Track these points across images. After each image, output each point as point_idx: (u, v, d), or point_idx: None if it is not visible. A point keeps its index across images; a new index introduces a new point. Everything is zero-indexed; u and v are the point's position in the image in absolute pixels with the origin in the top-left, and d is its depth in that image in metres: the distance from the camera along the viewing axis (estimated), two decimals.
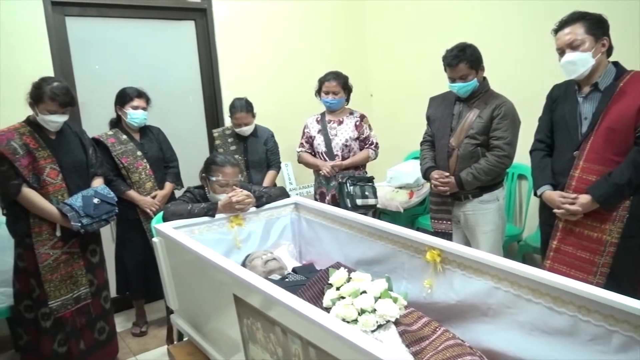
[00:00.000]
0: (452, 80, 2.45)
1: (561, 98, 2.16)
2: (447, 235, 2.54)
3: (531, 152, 2.29)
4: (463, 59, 2.37)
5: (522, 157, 2.54)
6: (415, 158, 3.67)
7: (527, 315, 1.50)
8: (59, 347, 2.41)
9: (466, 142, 2.45)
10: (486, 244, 2.48)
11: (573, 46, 1.98)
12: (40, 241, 2.34)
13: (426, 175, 2.62)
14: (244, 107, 3.13)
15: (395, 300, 1.64)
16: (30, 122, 2.38)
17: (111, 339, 2.65)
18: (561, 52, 2.03)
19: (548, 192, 2.12)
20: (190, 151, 3.46)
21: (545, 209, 2.17)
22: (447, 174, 2.49)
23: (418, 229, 2.81)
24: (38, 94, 2.30)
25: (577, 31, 1.97)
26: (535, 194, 2.23)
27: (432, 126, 2.66)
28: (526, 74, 3.14)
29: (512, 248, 3.30)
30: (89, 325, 2.51)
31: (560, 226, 2.08)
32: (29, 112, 2.37)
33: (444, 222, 2.59)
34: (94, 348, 2.53)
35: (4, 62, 2.83)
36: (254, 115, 3.19)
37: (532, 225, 3.21)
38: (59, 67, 3.04)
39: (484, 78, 2.49)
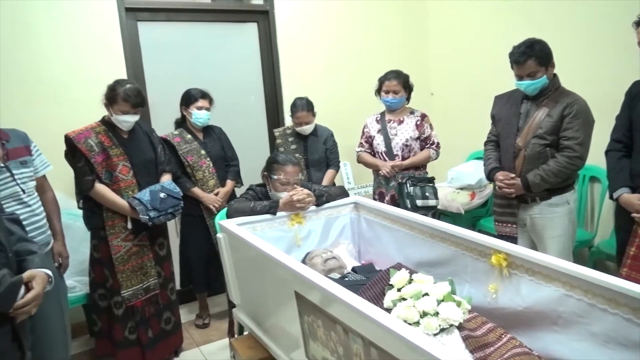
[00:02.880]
0: (520, 77, 2.34)
1: None
2: (512, 239, 2.43)
3: (607, 152, 2.16)
4: (531, 55, 2.26)
5: (594, 159, 2.39)
6: (477, 158, 3.57)
7: (602, 325, 1.42)
8: (130, 335, 2.55)
9: (534, 142, 2.34)
10: (555, 250, 2.36)
11: None
12: (113, 234, 2.49)
13: (490, 176, 2.54)
14: (305, 106, 3.16)
15: (458, 304, 1.61)
16: (105, 122, 2.53)
17: (176, 329, 2.77)
18: None
19: (626, 195, 2.00)
20: (252, 150, 3.55)
21: (622, 214, 2.05)
22: (513, 175, 2.40)
23: (480, 232, 2.72)
24: (112, 96, 2.44)
25: None
26: (611, 197, 2.10)
27: (497, 125, 2.57)
28: (601, 70, 2.96)
29: (583, 254, 3.12)
30: (156, 315, 2.63)
31: (639, 232, 1.95)
32: (104, 112, 2.52)
33: (509, 225, 2.50)
34: (160, 337, 2.65)
35: (83, 66, 3.02)
36: (314, 115, 3.22)
37: (605, 231, 3.03)
38: (132, 69, 3.20)
39: (554, 75, 2.37)
